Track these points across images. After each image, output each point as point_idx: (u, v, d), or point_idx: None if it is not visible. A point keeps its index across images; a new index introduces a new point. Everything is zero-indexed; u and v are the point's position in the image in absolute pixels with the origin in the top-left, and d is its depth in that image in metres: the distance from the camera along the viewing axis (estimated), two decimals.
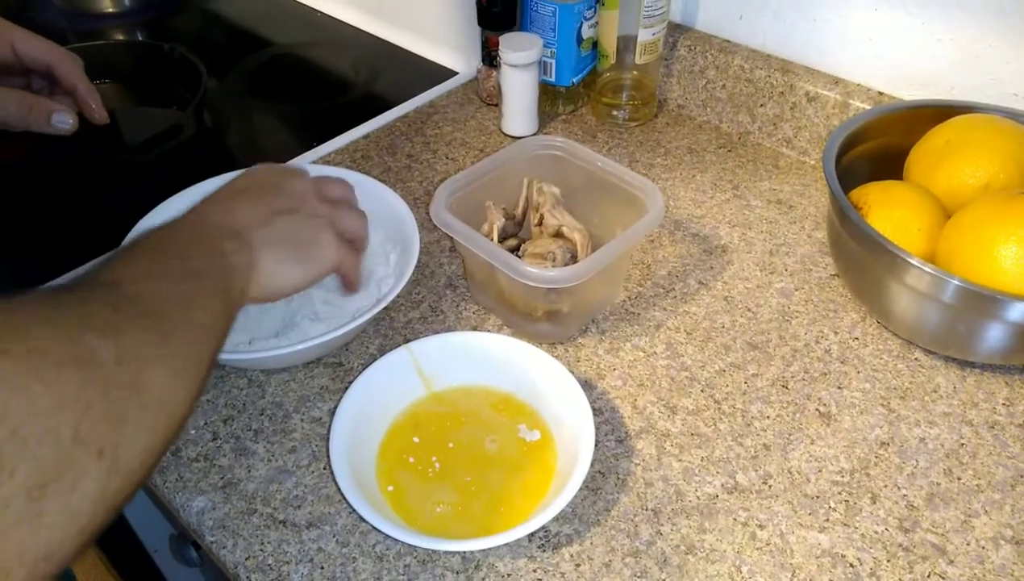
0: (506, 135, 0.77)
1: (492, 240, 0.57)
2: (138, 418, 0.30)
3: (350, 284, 0.50)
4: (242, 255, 0.42)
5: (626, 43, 0.73)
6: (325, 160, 0.74)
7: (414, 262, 0.54)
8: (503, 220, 0.58)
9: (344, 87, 0.90)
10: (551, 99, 0.79)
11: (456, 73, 0.88)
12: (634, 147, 0.75)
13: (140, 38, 1.00)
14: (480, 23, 0.77)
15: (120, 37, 1.00)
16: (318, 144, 0.76)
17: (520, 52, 0.71)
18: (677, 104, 0.80)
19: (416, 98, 0.82)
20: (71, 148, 0.76)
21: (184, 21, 1.04)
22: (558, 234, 0.58)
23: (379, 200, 0.60)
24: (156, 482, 0.48)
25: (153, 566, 0.86)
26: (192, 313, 0.36)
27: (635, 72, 0.76)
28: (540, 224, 0.59)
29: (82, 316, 0.30)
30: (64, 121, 0.57)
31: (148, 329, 0.32)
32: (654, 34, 0.72)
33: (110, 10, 1.00)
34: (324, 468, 0.48)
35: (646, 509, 0.46)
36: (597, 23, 0.75)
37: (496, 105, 0.80)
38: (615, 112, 0.78)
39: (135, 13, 1.02)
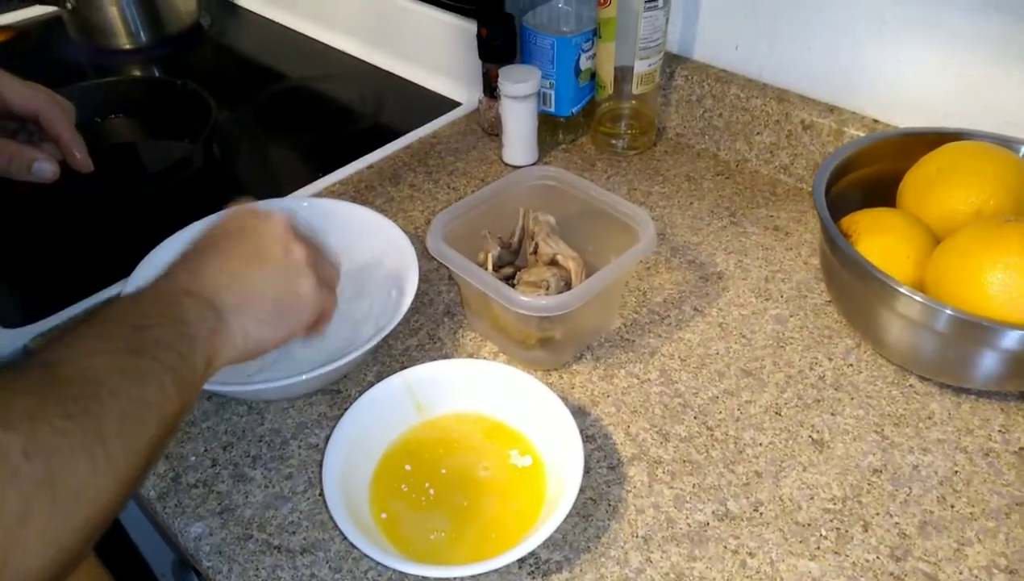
0: (507, 164, 0.79)
1: (487, 269, 0.58)
2: (47, 514, 0.29)
3: (320, 328, 0.49)
4: (207, 322, 0.40)
5: (624, 73, 0.75)
6: (330, 190, 0.76)
7: (413, 292, 0.55)
8: (499, 249, 0.59)
9: (350, 118, 0.92)
10: (551, 129, 0.81)
11: (459, 104, 0.89)
12: (632, 175, 0.77)
13: (156, 73, 1.03)
14: (480, 56, 0.79)
15: (137, 73, 1.03)
16: (324, 174, 0.78)
17: (519, 84, 0.72)
18: (676, 133, 0.81)
19: (419, 129, 0.84)
20: (86, 180, 0.79)
21: (198, 56, 1.07)
22: (553, 262, 0.59)
23: (379, 231, 0.61)
24: (156, 508, 0.49)
25: None
26: (136, 391, 0.34)
27: (633, 102, 0.77)
28: (535, 252, 0.60)
29: None
30: (44, 170, 0.57)
31: (73, 415, 0.31)
32: (651, 65, 0.74)
33: (127, 47, 1.04)
34: (320, 494, 0.49)
35: (636, 536, 0.46)
36: (595, 54, 0.76)
37: (497, 135, 0.81)
38: (614, 141, 0.79)
39: (151, 49, 1.05)
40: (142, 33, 1.03)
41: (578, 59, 0.76)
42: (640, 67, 0.73)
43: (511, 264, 0.61)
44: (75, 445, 0.31)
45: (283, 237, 0.46)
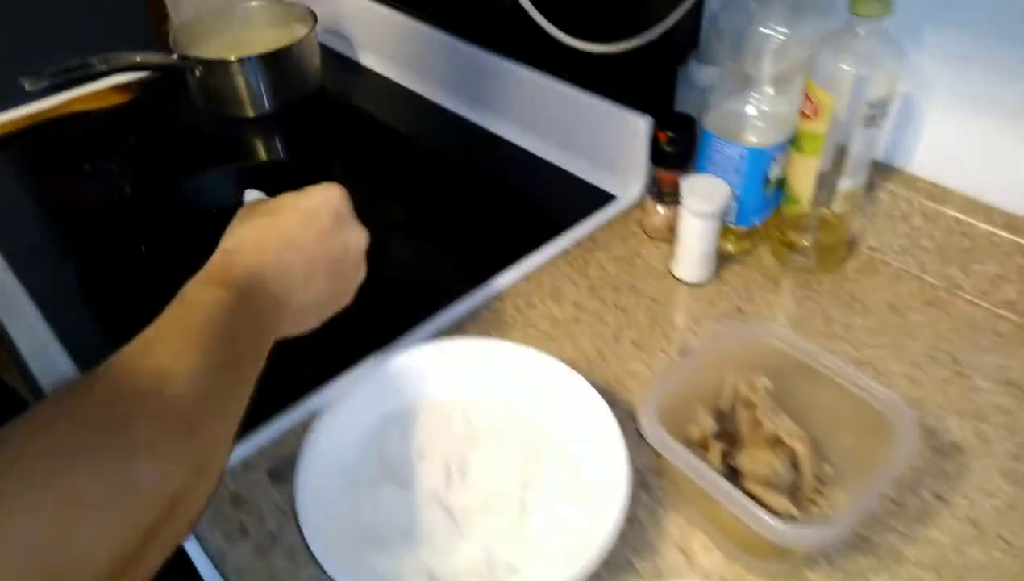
0: (677, 279, 0.71)
1: (707, 450, 0.50)
2: None
3: None
4: (274, 326, 0.48)
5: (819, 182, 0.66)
6: (491, 310, 0.69)
7: (625, 498, 0.47)
8: (715, 425, 0.52)
9: (499, 203, 0.84)
10: (722, 235, 0.73)
11: (613, 196, 0.82)
12: (825, 300, 0.68)
13: (278, 142, 0.98)
14: (653, 160, 0.71)
15: (259, 140, 0.99)
16: (473, 289, 0.70)
17: (706, 201, 0.65)
18: (868, 246, 0.72)
19: (575, 229, 0.77)
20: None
21: (321, 123, 1.02)
22: (776, 440, 0.51)
23: (573, 398, 0.54)
24: None
25: None
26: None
27: (824, 210, 0.69)
28: (751, 423, 0.52)
29: None
30: None
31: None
32: (856, 183, 0.65)
33: (250, 115, 0.99)
34: None
35: None
36: (786, 160, 0.68)
37: (663, 241, 0.74)
38: (798, 255, 0.71)
39: (274, 116, 1.00)
40: (266, 101, 0.98)
41: (768, 169, 0.68)
42: (845, 184, 0.65)
43: (721, 435, 0.53)
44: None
45: (340, 227, 0.52)
